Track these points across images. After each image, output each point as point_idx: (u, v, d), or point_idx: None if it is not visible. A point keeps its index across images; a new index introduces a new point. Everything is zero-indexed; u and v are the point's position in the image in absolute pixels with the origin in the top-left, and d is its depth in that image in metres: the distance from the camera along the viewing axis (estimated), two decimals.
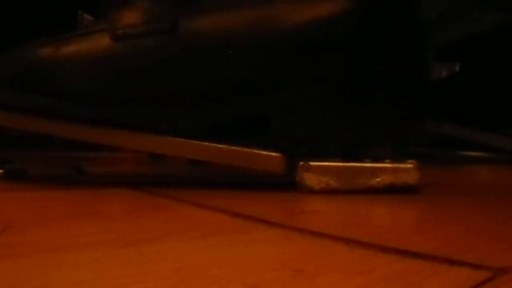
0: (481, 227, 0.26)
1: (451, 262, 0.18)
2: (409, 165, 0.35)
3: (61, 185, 0.39)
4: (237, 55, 0.35)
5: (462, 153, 0.72)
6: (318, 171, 0.35)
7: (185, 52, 0.35)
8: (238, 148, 0.36)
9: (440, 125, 0.70)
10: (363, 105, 0.36)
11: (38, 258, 0.18)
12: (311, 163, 0.35)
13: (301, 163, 0.35)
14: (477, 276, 0.16)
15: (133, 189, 0.36)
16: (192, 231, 0.23)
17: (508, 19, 0.70)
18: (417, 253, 0.19)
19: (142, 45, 0.36)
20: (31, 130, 0.37)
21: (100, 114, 0.36)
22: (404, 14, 0.37)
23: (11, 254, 0.18)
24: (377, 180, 0.35)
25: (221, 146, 0.36)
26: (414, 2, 0.37)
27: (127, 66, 0.35)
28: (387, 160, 0.35)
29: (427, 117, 0.40)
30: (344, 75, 0.35)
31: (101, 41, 0.36)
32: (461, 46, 0.72)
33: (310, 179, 0.35)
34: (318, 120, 0.36)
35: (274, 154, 0.36)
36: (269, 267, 0.17)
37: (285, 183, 0.36)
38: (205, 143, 0.36)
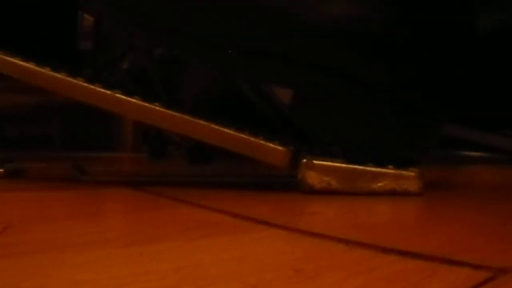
0: (481, 227, 0.26)
1: (451, 262, 0.18)
2: (411, 173, 0.35)
3: (61, 185, 0.39)
4: (285, 20, 0.34)
5: (462, 153, 0.72)
6: (320, 170, 0.35)
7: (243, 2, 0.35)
8: (245, 136, 0.36)
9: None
10: (381, 108, 0.36)
11: (38, 258, 0.18)
12: (315, 162, 0.35)
13: (305, 160, 0.35)
14: (477, 276, 0.16)
15: (133, 189, 0.36)
16: (192, 231, 0.23)
17: (508, 19, 0.70)
18: (417, 253, 0.19)
19: None
20: (30, 81, 0.36)
21: (157, 41, 0.35)
22: (450, 25, 0.36)
23: (11, 254, 0.18)
24: (379, 185, 0.35)
25: (228, 130, 0.35)
26: (465, 9, 0.37)
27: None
28: (390, 166, 0.35)
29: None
30: (368, 78, 0.35)
31: None
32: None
33: (312, 178, 0.35)
34: (333, 112, 0.36)
35: (280, 147, 0.36)
36: (269, 267, 0.17)
37: (285, 184, 0.36)
38: (212, 125, 0.35)
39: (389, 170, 0.35)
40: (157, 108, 0.36)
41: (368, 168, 0.35)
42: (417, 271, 0.17)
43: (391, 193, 0.35)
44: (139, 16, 0.36)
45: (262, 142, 0.36)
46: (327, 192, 0.35)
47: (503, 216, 0.29)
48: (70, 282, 0.15)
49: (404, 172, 0.35)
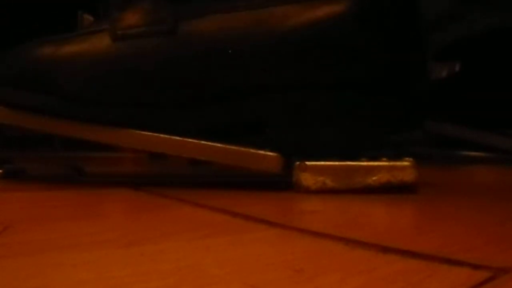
0: (481, 227, 0.26)
1: (451, 262, 0.18)
2: (406, 163, 0.35)
3: (61, 185, 0.39)
4: (235, 57, 0.35)
5: (462, 153, 0.72)
6: (314, 171, 0.35)
7: (184, 54, 0.35)
8: (235, 148, 0.36)
9: (440, 125, 0.70)
10: (359, 109, 0.36)
11: (38, 258, 0.18)
12: (307, 163, 0.35)
13: (298, 163, 0.35)
14: (477, 276, 0.16)
15: (133, 189, 0.36)
16: (192, 231, 0.23)
17: (508, 19, 0.70)
18: (417, 253, 0.19)
19: (142, 46, 0.36)
20: (31, 129, 0.37)
21: (99, 115, 0.36)
22: (404, 16, 0.36)
23: (11, 254, 0.18)
24: (374, 179, 0.35)
25: (219, 145, 0.36)
26: (414, 3, 0.37)
27: (127, 67, 0.35)
28: (384, 159, 0.35)
29: (425, 120, 0.40)
30: (341, 79, 0.35)
31: (101, 42, 0.36)
32: (461, 46, 0.72)
33: (307, 179, 0.35)
34: (313, 125, 0.36)
35: (271, 153, 0.36)
36: (269, 267, 0.17)
37: (285, 183, 0.36)
38: (203, 142, 0.36)
39: (383, 163, 0.35)
40: (146, 133, 0.36)
41: (362, 163, 0.35)
42: (417, 271, 0.17)
43: (387, 185, 0.35)
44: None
45: (252, 151, 0.36)
46: (324, 192, 0.35)
47: (503, 215, 0.29)
48: (70, 282, 0.15)
49: (398, 163, 0.35)
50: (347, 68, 0.35)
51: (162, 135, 0.36)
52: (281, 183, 0.37)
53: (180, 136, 0.36)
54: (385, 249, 0.19)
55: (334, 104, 0.36)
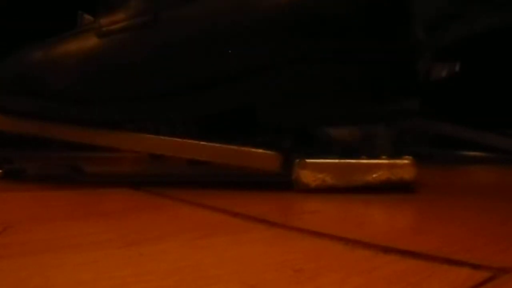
0: (481, 227, 0.26)
1: (451, 262, 0.18)
2: (405, 161, 0.35)
3: (61, 185, 0.39)
4: (219, 41, 0.35)
5: (462, 153, 0.72)
6: (314, 168, 0.35)
7: (167, 44, 0.35)
8: (234, 147, 0.36)
9: (440, 125, 0.70)
10: (352, 81, 0.36)
11: (38, 258, 0.18)
12: (307, 160, 0.35)
13: (297, 160, 0.35)
14: (477, 276, 0.16)
15: (133, 189, 0.36)
16: (192, 231, 0.23)
17: (508, 19, 0.70)
18: (417, 253, 0.19)
19: (125, 40, 0.36)
20: (27, 133, 0.38)
21: (88, 113, 0.36)
22: None
23: (11, 254, 0.18)
24: (373, 176, 0.35)
25: (217, 145, 0.36)
26: None
27: (112, 62, 0.36)
28: (383, 156, 0.35)
29: (421, 90, 0.39)
30: (325, 53, 0.35)
31: (88, 40, 0.36)
32: (461, 46, 0.71)
33: (306, 177, 0.35)
34: (306, 101, 0.36)
35: (270, 152, 0.36)
36: (269, 267, 0.17)
37: (285, 183, 0.36)
38: (201, 143, 0.36)
39: (383, 161, 0.35)
40: (145, 135, 0.37)
41: (362, 161, 0.35)
42: (417, 271, 0.17)
43: (387, 183, 0.35)
44: None
45: (252, 149, 0.36)
46: (324, 190, 0.35)
47: (503, 215, 0.29)
48: (70, 282, 0.15)
49: (397, 161, 0.35)
50: (336, 40, 0.35)
51: (161, 137, 0.36)
52: (281, 183, 0.37)
53: (179, 137, 0.36)
54: (385, 249, 0.19)
55: (325, 78, 0.35)
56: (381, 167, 0.35)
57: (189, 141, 0.36)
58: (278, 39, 0.35)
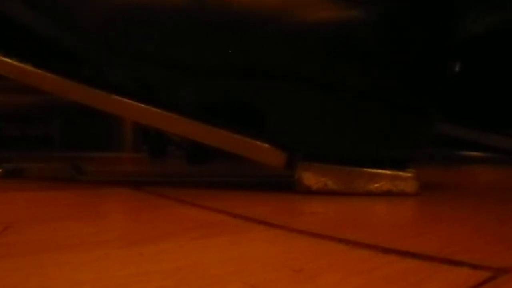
0: (481, 227, 0.26)
1: (451, 262, 0.18)
2: (408, 174, 0.35)
3: (61, 185, 0.39)
4: (254, 35, 0.34)
5: (462, 153, 0.72)
6: (317, 171, 0.35)
7: (207, 20, 0.34)
8: (241, 137, 0.36)
9: (440, 125, 0.70)
10: (365, 118, 0.35)
11: (38, 258, 0.18)
12: (311, 163, 0.35)
13: (301, 161, 0.35)
14: (477, 276, 0.16)
15: (133, 189, 0.36)
16: (192, 231, 0.23)
17: (508, 19, 0.70)
18: (417, 253, 0.19)
19: (164, 1, 0.35)
20: (29, 83, 0.36)
21: (101, 59, 0.35)
22: (432, 43, 0.36)
23: (11, 254, 0.18)
24: (375, 186, 0.35)
25: (224, 131, 0.36)
26: (445, 31, 0.36)
27: (143, 18, 0.35)
28: (387, 167, 0.35)
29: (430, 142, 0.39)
30: (352, 85, 0.35)
31: None
32: (461, 46, 0.71)
33: (309, 179, 0.35)
34: (315, 123, 0.35)
35: (275, 148, 0.36)
36: (269, 267, 0.17)
37: (285, 184, 0.36)
38: (209, 126, 0.36)
39: (386, 171, 0.35)
40: (156, 109, 0.36)
41: (365, 169, 0.35)
42: (417, 271, 0.17)
43: (388, 194, 0.35)
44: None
45: (257, 143, 0.36)
46: (325, 193, 0.35)
47: (503, 216, 0.29)
48: (70, 282, 0.15)
49: (400, 173, 0.35)
50: (361, 75, 0.35)
51: (167, 112, 0.36)
52: (282, 184, 0.37)
53: (187, 117, 0.35)
54: (385, 250, 0.19)
55: (339, 108, 0.35)
56: (384, 177, 0.35)
57: (197, 122, 0.36)
58: (312, 55, 0.35)
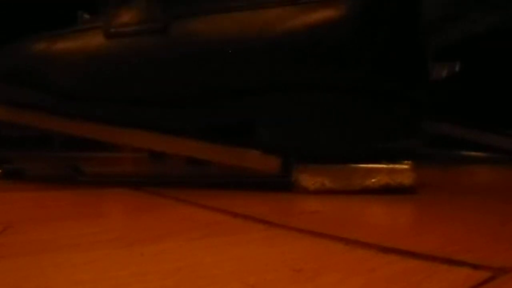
0: (481, 227, 0.26)
1: (451, 262, 0.18)
2: (405, 166, 0.35)
3: (60, 185, 0.39)
4: (227, 59, 0.35)
5: (462, 153, 0.72)
6: (313, 172, 0.35)
7: (176, 54, 0.35)
8: (235, 148, 0.36)
9: (440, 125, 0.70)
10: (353, 115, 0.36)
11: (38, 258, 0.18)
12: (306, 164, 0.35)
13: (296, 163, 0.35)
14: (477, 276, 0.16)
15: (133, 189, 0.36)
16: (192, 231, 0.23)
17: (508, 19, 0.70)
18: (417, 253, 0.19)
19: (134, 44, 0.36)
20: (27, 125, 0.37)
21: (92, 111, 0.36)
22: (403, 25, 0.36)
23: (11, 254, 0.18)
24: (372, 181, 0.35)
25: (216, 144, 0.36)
26: (414, 12, 0.37)
27: (118, 65, 0.35)
28: (383, 161, 0.35)
29: (420, 129, 0.39)
30: (335, 84, 0.35)
31: (95, 39, 0.36)
32: (461, 46, 0.72)
33: (306, 180, 0.35)
34: (305, 129, 0.36)
35: (269, 153, 0.36)
36: (269, 267, 0.17)
37: (284, 184, 0.36)
38: (202, 142, 0.36)
39: (382, 165, 0.35)
40: (145, 131, 0.36)
41: (361, 165, 0.35)
42: (417, 271, 0.17)
43: (386, 188, 0.35)
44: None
45: (251, 150, 0.36)
46: (323, 192, 0.35)
47: (503, 216, 0.29)
48: (70, 282, 0.15)
49: (397, 166, 0.35)
50: (341, 73, 0.35)
51: (161, 134, 0.36)
52: (281, 183, 0.37)
53: (179, 135, 0.36)
54: (385, 249, 0.19)
55: (327, 108, 0.35)
56: (380, 171, 0.35)
57: (189, 139, 0.36)
58: (289, 64, 0.35)
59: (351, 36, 0.35)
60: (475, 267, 0.17)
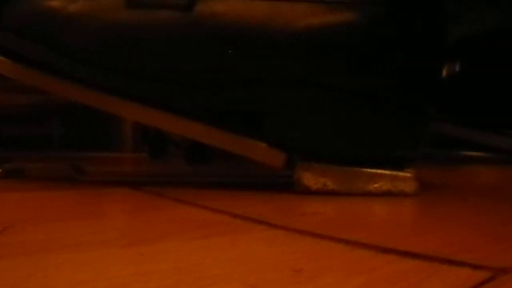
0: (481, 227, 0.26)
1: (451, 262, 0.18)
2: (408, 174, 0.35)
3: (60, 185, 0.39)
4: (247, 46, 0.34)
5: (462, 153, 0.72)
6: (316, 171, 0.35)
7: (197, 33, 0.34)
8: (241, 137, 0.36)
9: (440, 125, 0.70)
10: (363, 119, 0.35)
11: (38, 258, 0.18)
12: (311, 163, 0.35)
13: (301, 162, 0.35)
14: (477, 276, 0.16)
15: (133, 189, 0.36)
16: (192, 231, 0.23)
17: (508, 19, 0.70)
18: (417, 253, 0.19)
19: (155, 17, 0.35)
20: (29, 83, 0.37)
21: (98, 80, 0.35)
22: (425, 40, 0.36)
23: (11, 254, 0.18)
24: (375, 186, 0.35)
25: (224, 131, 0.36)
26: (436, 22, 0.36)
27: (136, 36, 0.35)
28: (386, 167, 0.35)
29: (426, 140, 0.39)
30: (350, 87, 0.35)
31: (114, 5, 0.35)
32: (461, 46, 0.71)
33: (308, 179, 0.35)
34: (313, 126, 0.35)
35: (274, 148, 0.36)
36: (269, 267, 0.17)
37: (285, 184, 0.36)
38: (209, 126, 0.36)
39: (385, 171, 0.35)
40: (155, 109, 0.36)
41: (364, 170, 0.35)
42: (417, 271, 0.17)
43: (387, 194, 0.35)
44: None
45: (257, 142, 0.36)
46: (324, 193, 0.35)
47: (503, 216, 0.29)
48: (70, 282, 0.15)
49: (400, 173, 0.35)
50: (358, 77, 0.35)
51: (168, 113, 0.36)
52: (281, 184, 0.37)
53: (185, 116, 0.36)
54: (385, 250, 0.19)
55: (337, 108, 0.35)
56: (383, 177, 0.35)
57: (196, 122, 0.36)
58: (307, 61, 0.34)
59: (372, 42, 0.35)
60: (475, 267, 0.17)
